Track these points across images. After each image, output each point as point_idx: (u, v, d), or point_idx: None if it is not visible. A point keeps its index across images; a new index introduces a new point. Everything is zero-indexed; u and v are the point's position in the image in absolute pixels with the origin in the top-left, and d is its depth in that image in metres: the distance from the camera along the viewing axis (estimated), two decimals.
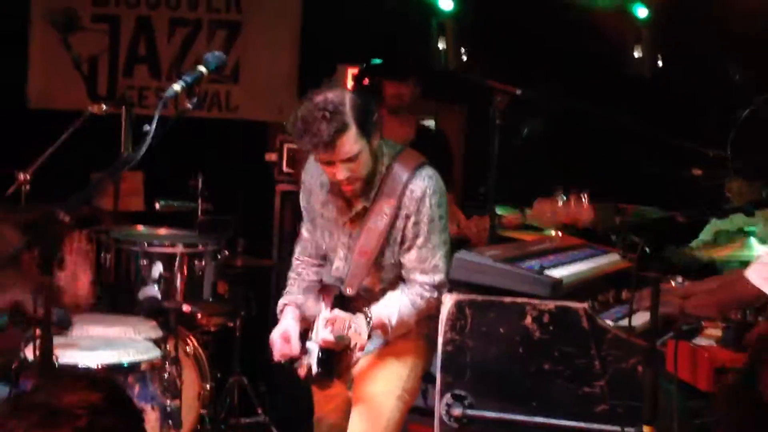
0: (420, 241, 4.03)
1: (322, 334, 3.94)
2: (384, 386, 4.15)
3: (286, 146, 6.67)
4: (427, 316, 4.11)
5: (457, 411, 3.80)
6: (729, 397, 2.94)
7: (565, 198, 4.91)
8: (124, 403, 2.49)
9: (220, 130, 7.52)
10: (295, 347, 4.11)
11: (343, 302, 4.06)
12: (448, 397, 3.83)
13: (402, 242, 4.04)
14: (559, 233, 5.16)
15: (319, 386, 4.19)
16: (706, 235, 6.04)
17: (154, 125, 3.44)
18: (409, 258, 4.05)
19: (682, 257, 5.19)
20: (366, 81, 6.37)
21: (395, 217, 4.01)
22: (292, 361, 4.13)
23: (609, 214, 5.04)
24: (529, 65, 7.03)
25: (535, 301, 3.77)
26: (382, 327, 4.02)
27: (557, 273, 3.99)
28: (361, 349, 3.90)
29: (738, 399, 1.91)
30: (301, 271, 4.39)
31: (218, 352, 5.93)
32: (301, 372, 4.05)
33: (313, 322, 4.10)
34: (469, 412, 3.79)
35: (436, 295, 4.04)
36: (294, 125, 3.86)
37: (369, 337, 3.93)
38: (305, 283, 4.35)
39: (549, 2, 7.20)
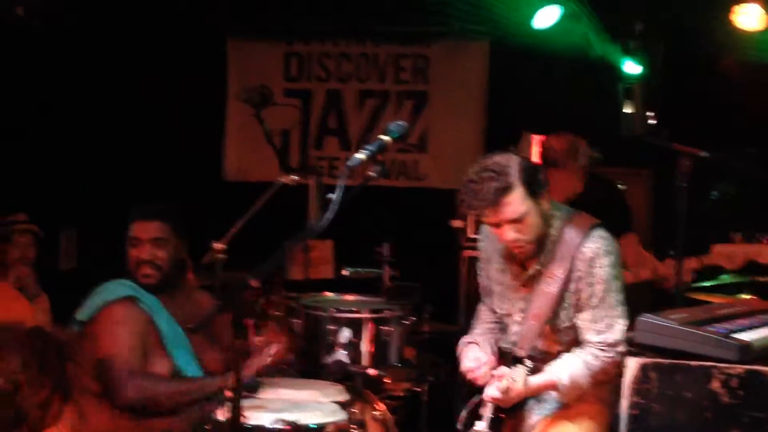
0: (594, 301, 4.03)
1: (488, 390, 3.98)
2: None
3: (471, 213, 6.71)
4: (605, 379, 4.06)
5: None
6: None
7: (743, 239, 4.81)
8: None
9: (407, 198, 7.65)
10: (488, 368, 4.16)
11: (516, 364, 4.09)
12: None
13: (576, 305, 4.03)
14: (752, 297, 5.03)
15: None
16: None
17: (339, 193, 3.55)
18: (583, 318, 4.05)
19: None
20: (557, 145, 6.37)
21: (568, 280, 4.02)
22: (468, 424, 4.17)
23: None
24: (716, 130, 6.91)
25: (723, 365, 3.69)
26: (552, 385, 4.01)
27: (746, 336, 3.89)
28: (513, 397, 3.93)
29: None
30: (484, 317, 4.48)
31: (406, 418, 5.96)
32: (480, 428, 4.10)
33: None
34: None
35: (611, 355, 4.02)
36: (462, 187, 3.93)
37: (535, 392, 4.05)
38: (486, 326, 4.42)
39: (734, 65, 7.09)
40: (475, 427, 4.14)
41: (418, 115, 7.79)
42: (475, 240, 6.69)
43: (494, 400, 4.04)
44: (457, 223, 6.92)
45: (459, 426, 4.23)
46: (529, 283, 4.11)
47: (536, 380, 4.04)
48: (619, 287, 4.07)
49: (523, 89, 7.51)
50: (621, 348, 3.99)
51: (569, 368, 4.02)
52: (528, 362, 4.03)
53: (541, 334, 4.08)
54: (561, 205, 4.19)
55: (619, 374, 4.04)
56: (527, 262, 4.09)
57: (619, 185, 6.68)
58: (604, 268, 4.02)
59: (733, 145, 5.95)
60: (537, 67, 7.54)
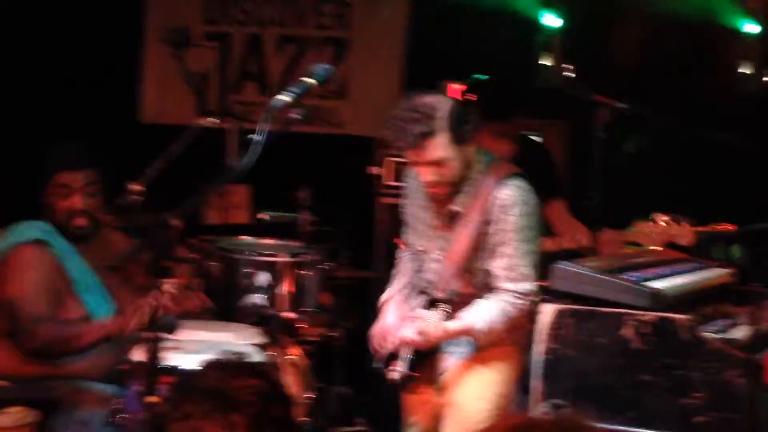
0: (507, 249, 4.08)
1: (404, 331, 4.04)
2: (475, 392, 4.18)
3: (389, 160, 6.74)
4: (518, 324, 4.14)
5: None
6: None
7: (665, 221, 4.88)
8: (284, 392, 2.51)
9: (325, 144, 7.63)
10: (392, 343, 4.20)
11: (433, 306, 4.14)
12: (546, 405, 3.84)
13: (489, 250, 4.10)
14: (661, 248, 5.13)
15: (406, 388, 4.25)
16: None
17: (262, 135, 3.53)
18: (497, 266, 4.10)
19: None
20: (474, 97, 6.38)
21: (483, 224, 4.07)
22: (386, 364, 4.22)
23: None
24: (634, 83, 7.00)
25: (636, 312, 3.77)
26: (470, 330, 4.07)
27: (658, 284, 3.98)
28: (429, 340, 4.00)
29: None
30: (404, 268, 4.49)
31: (321, 362, 6.00)
32: (392, 375, 4.14)
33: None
34: None
35: (525, 303, 4.09)
36: (389, 121, 3.94)
37: (452, 337, 4.11)
38: (406, 279, 4.43)
39: (656, 19, 7.17)
40: (393, 367, 4.19)
41: (339, 62, 7.75)
42: (392, 187, 6.73)
43: (412, 343, 4.09)
44: (374, 170, 6.93)
45: (376, 365, 4.28)
46: (449, 223, 4.15)
47: (453, 325, 4.08)
48: (531, 237, 4.10)
49: (443, 39, 7.51)
50: (534, 297, 4.05)
51: (485, 314, 4.07)
52: (445, 306, 4.08)
53: (457, 275, 4.13)
54: (486, 151, 4.22)
55: (532, 320, 4.13)
56: (445, 202, 4.12)
57: (533, 137, 6.73)
58: (517, 216, 4.05)
59: (651, 99, 6.04)
60: (457, 17, 7.55)
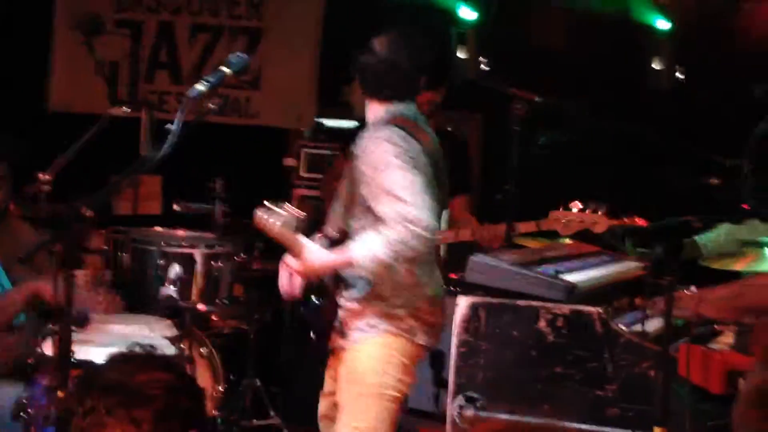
0: (382, 182, 3.87)
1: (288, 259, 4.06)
2: (360, 388, 4.02)
3: (304, 151, 6.71)
4: (410, 308, 3.98)
5: (468, 413, 3.82)
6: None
7: (580, 208, 4.92)
8: (195, 385, 2.47)
9: (239, 135, 7.57)
10: (297, 286, 4.18)
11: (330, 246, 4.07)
12: (460, 398, 3.85)
13: (371, 188, 3.94)
14: (575, 241, 5.18)
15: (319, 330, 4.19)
16: (714, 234, 6.04)
17: (177, 125, 3.47)
18: (379, 199, 3.88)
19: (691, 250, 5.22)
20: None
21: (359, 164, 3.97)
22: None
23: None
24: (548, 77, 7.06)
25: (550, 305, 3.79)
26: (349, 260, 3.88)
27: (572, 278, 4.01)
28: (313, 264, 3.95)
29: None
30: None
31: (232, 354, 5.95)
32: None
33: None
34: (481, 414, 3.81)
35: (404, 227, 3.76)
36: None
37: (334, 265, 3.97)
38: None
39: (570, 14, 7.24)
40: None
41: (252, 51, 7.67)
42: (306, 178, 6.71)
43: (294, 270, 4.04)
44: (289, 162, 6.89)
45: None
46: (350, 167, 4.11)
47: (333, 254, 3.94)
48: (408, 167, 3.86)
49: (358, 30, 7.48)
50: (417, 222, 3.75)
51: (367, 242, 3.86)
52: (331, 233, 4.02)
53: (346, 214, 4.07)
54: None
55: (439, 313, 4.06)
56: None
57: (448, 129, 6.74)
58: (386, 153, 3.88)
59: (565, 93, 6.08)
60: (374, 8, 7.53)
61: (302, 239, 3.97)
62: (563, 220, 4.83)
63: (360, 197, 3.98)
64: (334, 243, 4.04)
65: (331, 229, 4.12)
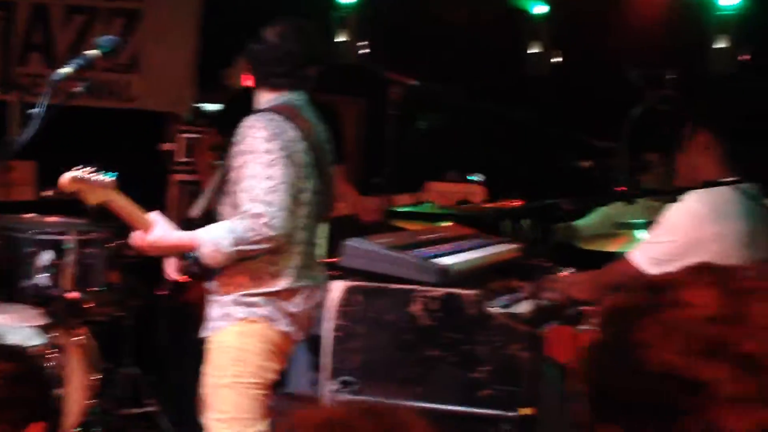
0: (245, 171, 3.88)
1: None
2: (217, 378, 3.99)
3: (182, 136, 6.60)
4: (268, 296, 3.96)
5: (344, 397, 3.81)
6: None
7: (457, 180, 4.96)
8: (41, 374, 2.43)
9: (116, 119, 7.43)
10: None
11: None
12: (335, 382, 3.84)
13: (237, 174, 3.94)
14: (451, 224, 5.20)
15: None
16: (590, 217, 6.14)
17: (42, 108, 3.40)
18: (240, 188, 3.90)
19: (567, 234, 5.29)
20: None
21: (235, 151, 3.96)
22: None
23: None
24: (428, 61, 7.08)
25: (424, 288, 3.80)
26: (192, 244, 3.88)
27: (446, 261, 4.02)
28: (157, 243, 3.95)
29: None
30: None
31: (109, 342, 5.85)
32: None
33: None
34: (356, 397, 3.80)
35: (256, 223, 3.80)
36: None
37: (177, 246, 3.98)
38: None
39: (448, 0, 7.27)
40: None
41: (130, 33, 7.53)
42: (184, 163, 6.61)
43: (137, 245, 4.02)
44: (167, 146, 6.78)
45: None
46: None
47: (179, 234, 3.95)
48: (271, 162, 3.87)
49: (239, 13, 7.41)
50: (267, 221, 3.79)
51: (213, 230, 3.87)
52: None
53: (215, 198, 4.06)
54: None
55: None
56: None
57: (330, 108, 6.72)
58: (257, 139, 3.88)
59: (444, 77, 6.11)
60: None
61: (148, 214, 3.99)
62: (440, 191, 4.87)
63: (230, 183, 3.96)
64: (193, 225, 4.01)
65: (194, 211, 4.09)
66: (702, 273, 1.52)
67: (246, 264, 3.92)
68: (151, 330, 6.06)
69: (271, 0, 7.35)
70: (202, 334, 4.04)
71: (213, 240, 3.82)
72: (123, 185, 5.35)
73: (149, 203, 6.65)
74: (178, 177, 6.72)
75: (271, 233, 3.78)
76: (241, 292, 3.95)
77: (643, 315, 1.49)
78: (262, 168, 3.85)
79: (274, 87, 4.10)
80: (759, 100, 6.12)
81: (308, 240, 4.04)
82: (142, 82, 7.61)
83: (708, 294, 1.47)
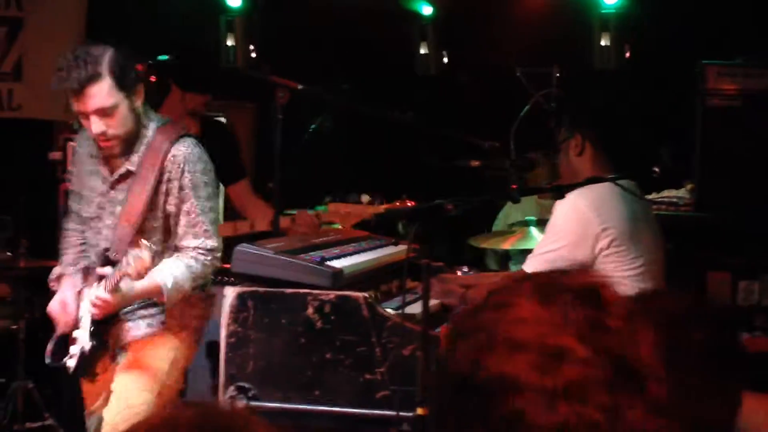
0: (187, 206, 4.06)
1: (95, 292, 3.94)
2: (140, 383, 4.09)
3: (70, 144, 6.51)
4: (193, 307, 4.23)
5: (241, 403, 3.81)
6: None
7: (359, 200, 4.97)
8: None
9: (2, 129, 7.30)
10: (73, 314, 4.06)
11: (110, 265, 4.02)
12: (231, 389, 3.84)
13: (166, 209, 4.06)
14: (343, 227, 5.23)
15: (86, 373, 4.11)
16: (500, 223, 6.25)
17: None
18: (180, 224, 4.07)
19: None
20: (153, 78, 6.29)
21: (159, 183, 4.02)
22: (58, 354, 4.08)
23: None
24: (317, 64, 7.09)
25: (316, 292, 3.82)
26: (157, 289, 3.97)
27: (339, 264, 4.05)
28: (114, 303, 3.92)
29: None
30: (74, 241, 4.35)
31: (2, 356, 5.76)
32: (71, 363, 4.00)
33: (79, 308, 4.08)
34: (253, 403, 3.80)
35: (210, 259, 4.12)
36: (55, 73, 3.88)
37: (139, 297, 4.04)
38: (76, 250, 4.32)
39: (338, 2, 7.29)
40: (65, 361, 4.05)
41: (12, 42, 7.40)
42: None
43: (97, 307, 3.95)
44: (55, 156, 6.70)
45: (47, 360, 4.13)
46: (119, 184, 4.06)
47: (140, 284, 3.94)
48: (210, 194, 4.16)
49: (125, 17, 7.34)
50: (217, 254, 4.16)
51: (172, 272, 3.99)
52: (128, 266, 3.88)
53: (133, 236, 4.02)
54: (157, 114, 4.22)
55: (206, 307, 4.12)
56: (117, 161, 4.04)
57: (219, 118, 6.69)
58: (195, 173, 4.07)
59: (331, 80, 6.13)
60: None
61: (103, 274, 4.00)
62: (342, 212, 4.88)
63: (156, 211, 4.05)
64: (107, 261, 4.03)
65: (118, 255, 4.02)
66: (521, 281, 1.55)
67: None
68: (45, 342, 5.97)
69: (159, 4, 7.34)
70: (134, 331, 4.15)
71: (175, 284, 3.99)
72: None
73: (39, 213, 6.60)
74: (66, 186, 6.63)
75: (217, 264, 4.16)
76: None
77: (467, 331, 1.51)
78: (205, 202, 4.10)
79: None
80: (623, 99, 6.28)
81: None
82: (26, 90, 7.48)
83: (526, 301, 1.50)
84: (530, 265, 4.06)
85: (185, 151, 4.05)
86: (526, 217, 5.70)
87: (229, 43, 7.29)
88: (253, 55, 7.22)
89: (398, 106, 5.66)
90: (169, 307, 4.09)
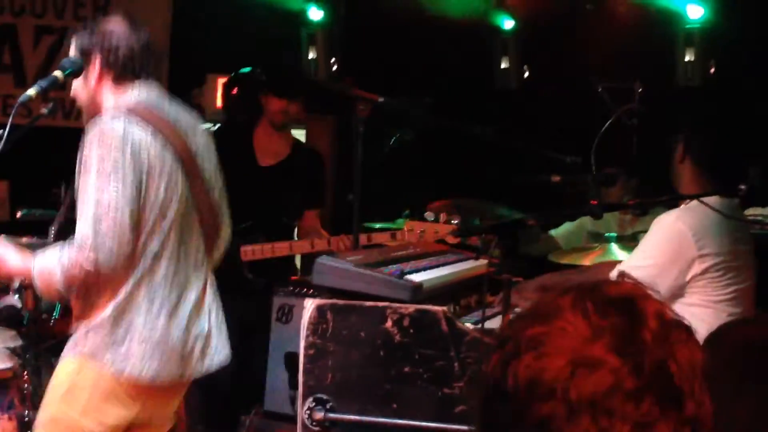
0: (78, 190, 3.56)
1: None
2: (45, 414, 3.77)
3: None
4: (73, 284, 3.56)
5: (318, 415, 3.81)
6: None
7: (434, 218, 4.98)
8: None
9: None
10: None
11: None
12: (310, 400, 3.84)
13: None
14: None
15: None
16: (564, 227, 6.20)
17: (6, 130, 3.41)
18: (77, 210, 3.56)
19: (546, 245, 5.34)
20: (235, 90, 6.37)
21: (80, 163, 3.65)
22: None
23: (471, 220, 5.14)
24: (398, 76, 7.12)
25: (396, 305, 3.81)
26: (27, 269, 3.60)
27: (418, 277, 4.04)
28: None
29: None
30: None
31: None
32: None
33: None
34: (331, 415, 3.81)
35: (76, 256, 3.45)
36: None
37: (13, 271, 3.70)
38: None
39: (417, 14, 7.31)
40: None
41: None
42: None
43: None
44: None
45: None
46: None
47: (17, 259, 3.66)
48: (103, 179, 3.46)
49: (208, 30, 7.43)
50: (90, 252, 3.43)
51: (45, 257, 3.56)
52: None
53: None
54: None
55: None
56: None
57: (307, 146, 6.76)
58: (92, 150, 3.52)
59: (410, 94, 6.14)
60: (223, 10, 7.49)
61: None
62: (418, 231, 4.91)
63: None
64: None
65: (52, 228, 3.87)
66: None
67: (82, 294, 3.60)
68: None
69: (242, 18, 7.42)
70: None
71: (45, 273, 3.52)
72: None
73: None
74: None
75: (95, 267, 3.43)
76: (80, 324, 3.65)
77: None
78: (91, 186, 3.46)
79: (119, 82, 3.70)
80: (727, 113, 6.20)
81: (170, 265, 3.69)
82: None
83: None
84: (617, 274, 4.02)
85: (98, 128, 3.57)
86: (606, 234, 5.65)
87: (311, 55, 7.36)
88: (334, 67, 7.27)
89: (477, 120, 5.65)
90: (43, 294, 3.71)
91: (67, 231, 3.67)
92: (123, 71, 3.67)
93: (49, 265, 3.51)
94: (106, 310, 3.56)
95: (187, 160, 3.66)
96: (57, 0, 7.69)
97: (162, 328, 3.64)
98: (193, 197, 3.69)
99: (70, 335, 3.71)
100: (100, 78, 3.70)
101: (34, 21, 7.68)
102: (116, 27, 3.71)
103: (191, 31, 7.54)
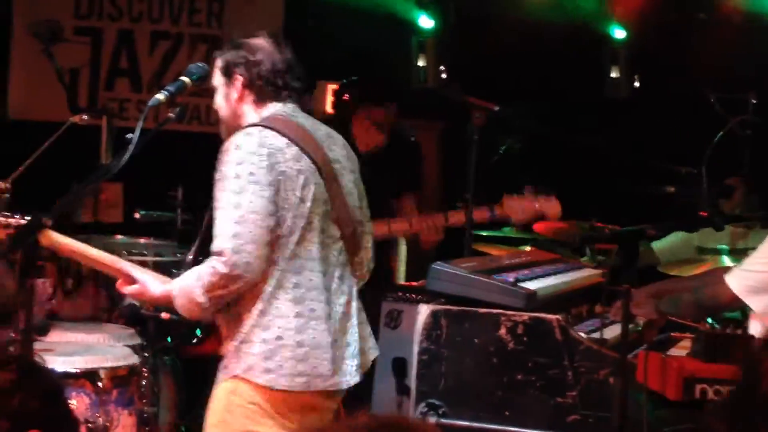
0: (215, 202, 3.49)
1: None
2: None
3: None
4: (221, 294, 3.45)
5: (431, 420, 3.85)
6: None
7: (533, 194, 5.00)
8: (38, 382, 2.33)
9: (200, 142, 7.56)
10: None
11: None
12: (422, 405, 3.88)
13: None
14: (533, 248, 5.25)
15: None
16: (667, 239, 6.14)
17: (137, 134, 3.49)
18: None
19: (647, 256, 5.30)
20: (346, 97, 6.43)
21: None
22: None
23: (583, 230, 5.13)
24: (507, 85, 7.12)
25: (510, 312, 3.83)
26: (169, 295, 3.54)
27: (532, 285, 4.06)
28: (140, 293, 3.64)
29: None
30: None
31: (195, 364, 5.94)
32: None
33: None
34: (444, 420, 3.84)
35: (214, 264, 3.39)
36: None
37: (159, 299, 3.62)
38: None
39: (529, 23, 7.31)
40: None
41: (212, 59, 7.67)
42: None
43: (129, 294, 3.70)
44: None
45: None
46: None
47: (159, 288, 3.61)
48: (238, 188, 3.41)
49: (319, 38, 7.52)
50: (228, 258, 3.36)
51: (183, 277, 3.53)
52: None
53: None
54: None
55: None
56: None
57: (411, 138, 6.79)
58: (227, 162, 3.45)
59: (520, 101, 6.15)
60: (333, 17, 7.57)
61: (129, 266, 3.70)
62: (517, 207, 4.91)
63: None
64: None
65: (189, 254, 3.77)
66: None
67: (224, 308, 3.51)
68: None
69: (353, 26, 7.49)
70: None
71: (185, 291, 3.46)
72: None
73: None
74: None
75: (233, 270, 3.35)
76: (236, 342, 3.49)
77: None
78: (227, 195, 3.42)
79: (261, 99, 3.69)
80: None
81: (312, 269, 3.55)
82: None
83: None
84: (734, 278, 3.92)
85: (234, 139, 3.52)
86: (718, 246, 5.59)
87: (421, 63, 7.40)
88: (444, 75, 7.30)
89: (586, 130, 5.64)
90: (187, 316, 3.55)
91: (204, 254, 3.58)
92: (265, 88, 3.70)
93: (189, 281, 3.45)
94: (251, 318, 3.46)
95: (324, 166, 3.60)
96: (173, 7, 7.85)
97: (311, 332, 3.50)
98: (332, 203, 3.62)
99: (216, 355, 3.63)
100: (242, 94, 3.70)
101: (151, 27, 7.85)
102: (261, 45, 3.76)
103: (302, 37, 7.63)
